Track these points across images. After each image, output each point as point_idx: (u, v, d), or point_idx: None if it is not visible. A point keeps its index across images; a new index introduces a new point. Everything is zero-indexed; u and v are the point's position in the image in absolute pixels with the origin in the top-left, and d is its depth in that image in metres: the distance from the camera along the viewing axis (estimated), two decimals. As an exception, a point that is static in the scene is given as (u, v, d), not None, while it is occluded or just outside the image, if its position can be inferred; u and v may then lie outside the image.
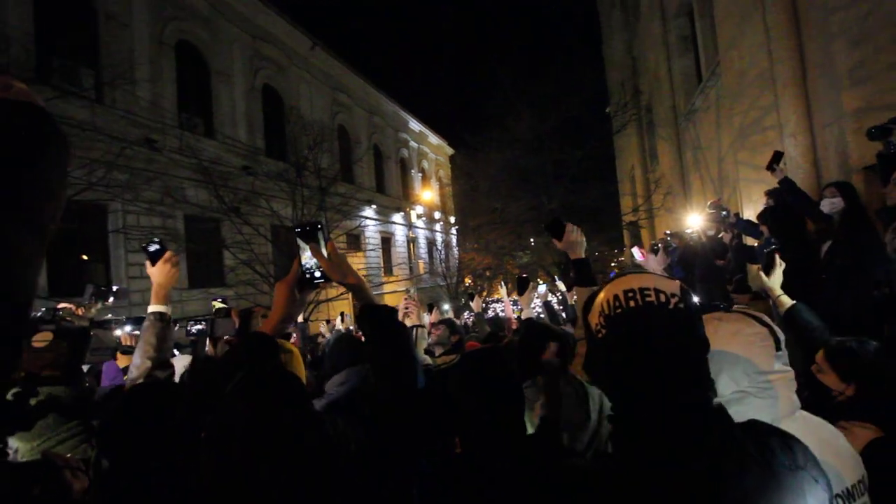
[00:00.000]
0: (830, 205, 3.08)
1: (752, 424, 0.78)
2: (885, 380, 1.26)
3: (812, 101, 4.81)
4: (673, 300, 0.75)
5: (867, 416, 1.21)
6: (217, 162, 11.46)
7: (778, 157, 3.64)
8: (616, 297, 0.77)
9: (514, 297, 3.82)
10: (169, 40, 11.01)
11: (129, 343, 2.86)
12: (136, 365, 1.64)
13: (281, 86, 14.92)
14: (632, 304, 0.76)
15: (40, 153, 0.44)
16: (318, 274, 1.11)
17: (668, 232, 8.17)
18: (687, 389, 0.72)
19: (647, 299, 0.75)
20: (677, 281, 0.80)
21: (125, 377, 2.69)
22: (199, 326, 2.64)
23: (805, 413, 0.96)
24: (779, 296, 1.75)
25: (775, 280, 1.75)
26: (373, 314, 1.05)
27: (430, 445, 1.07)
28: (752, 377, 0.92)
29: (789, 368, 0.96)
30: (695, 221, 6.06)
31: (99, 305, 2.77)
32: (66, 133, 0.49)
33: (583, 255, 1.72)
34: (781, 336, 0.96)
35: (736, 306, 3.24)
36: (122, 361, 2.93)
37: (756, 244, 4.46)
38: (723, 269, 5.12)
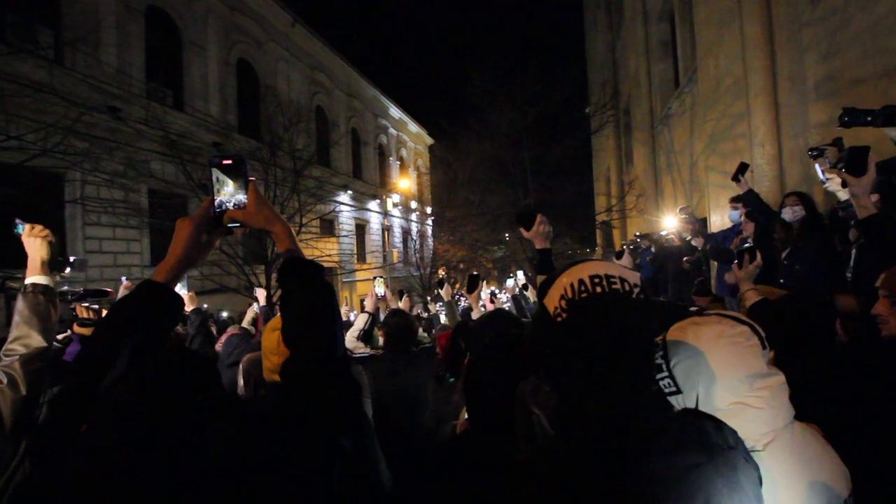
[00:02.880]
0: (792, 213, 3.21)
1: (685, 410, 0.81)
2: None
3: (781, 111, 5.00)
4: (636, 290, 0.78)
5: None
6: (186, 136, 10.99)
7: (743, 168, 3.76)
8: (581, 281, 0.77)
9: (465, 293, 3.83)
10: (138, 5, 10.44)
11: (85, 315, 2.73)
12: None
13: (257, 61, 14.41)
14: (598, 289, 0.76)
15: None
16: (233, 219, 0.91)
17: (637, 233, 8.40)
18: (640, 374, 0.75)
19: (614, 286, 0.76)
20: (637, 273, 0.83)
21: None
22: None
23: (799, 424, 0.90)
24: (748, 290, 1.79)
25: (748, 275, 1.80)
26: (297, 267, 0.90)
27: (351, 423, 0.94)
28: (749, 383, 0.85)
29: (779, 372, 0.90)
30: (670, 223, 6.23)
31: (56, 277, 2.63)
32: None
33: (548, 246, 1.75)
34: (762, 333, 0.91)
35: (694, 309, 3.36)
36: (80, 332, 2.83)
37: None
38: (690, 271, 5.29)
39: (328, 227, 16.88)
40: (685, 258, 5.46)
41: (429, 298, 12.11)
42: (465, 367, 2.07)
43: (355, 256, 19.10)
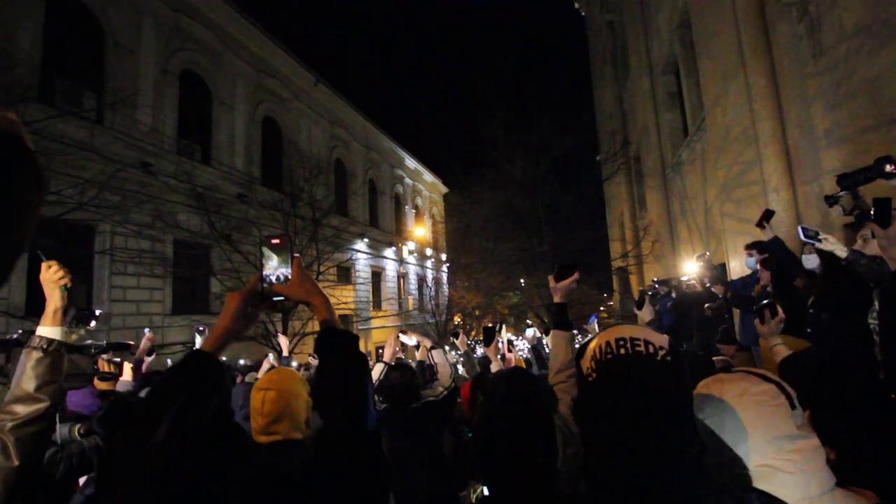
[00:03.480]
0: (812, 261, 3.16)
1: (736, 484, 0.79)
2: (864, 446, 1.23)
3: (793, 158, 5.04)
4: (661, 352, 0.80)
5: (858, 478, 1.19)
6: (212, 189, 11.50)
7: (768, 215, 3.71)
8: (608, 343, 0.83)
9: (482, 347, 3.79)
10: (174, 69, 11.30)
11: (107, 370, 2.77)
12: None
13: (282, 118, 15.25)
14: (622, 351, 0.81)
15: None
16: (277, 292, 0.98)
17: (655, 279, 8.27)
18: (665, 436, 0.75)
19: (637, 348, 0.80)
20: (667, 336, 0.84)
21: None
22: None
23: (841, 491, 0.84)
24: (774, 345, 1.74)
25: (772, 330, 1.76)
26: (335, 338, 0.95)
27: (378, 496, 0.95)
28: (777, 445, 0.83)
29: (813, 434, 0.86)
30: (691, 269, 6.14)
31: (81, 331, 2.69)
32: (43, 169, 0.47)
33: (565, 301, 1.77)
34: (793, 392, 0.88)
35: (719, 358, 3.24)
36: (101, 387, 2.84)
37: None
38: (713, 319, 5.17)
39: (345, 274, 17.08)
40: (707, 305, 5.35)
41: (446, 348, 11.90)
42: (476, 420, 2.01)
43: (371, 304, 19.13)
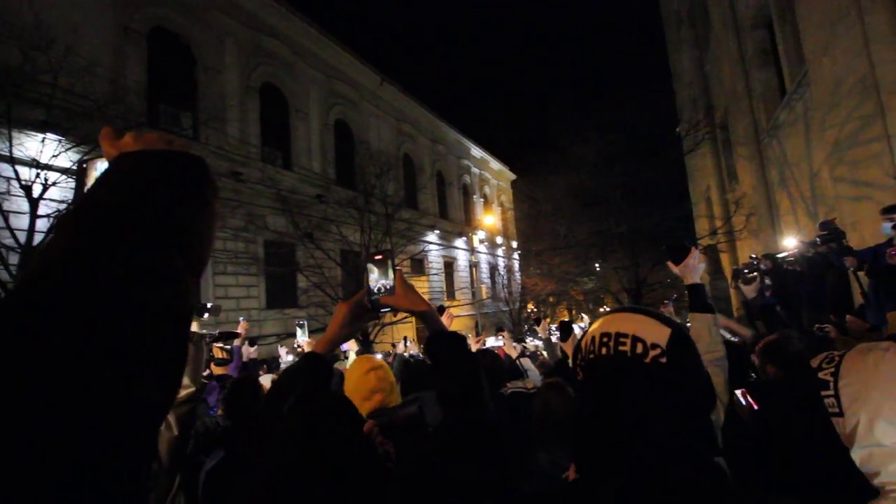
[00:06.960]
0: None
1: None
2: None
3: (926, 107, 4.30)
4: (653, 352, 0.66)
5: None
6: (294, 191, 12.32)
7: None
8: (593, 339, 0.70)
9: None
10: (255, 84, 12.20)
11: (220, 356, 3.13)
12: None
13: (352, 120, 15.89)
14: (604, 350, 0.69)
15: (202, 201, 0.51)
16: (384, 304, 1.07)
17: (753, 256, 7.52)
18: (655, 455, 0.62)
19: (621, 348, 0.67)
20: (669, 329, 0.69)
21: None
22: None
23: None
24: None
25: None
26: (442, 341, 1.01)
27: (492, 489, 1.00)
28: None
29: None
30: (790, 243, 5.51)
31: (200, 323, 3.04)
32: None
33: (698, 281, 1.60)
34: None
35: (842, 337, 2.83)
36: (216, 371, 3.23)
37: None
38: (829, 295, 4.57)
39: (418, 266, 17.52)
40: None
41: (529, 339, 11.76)
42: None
43: (445, 294, 19.46)
